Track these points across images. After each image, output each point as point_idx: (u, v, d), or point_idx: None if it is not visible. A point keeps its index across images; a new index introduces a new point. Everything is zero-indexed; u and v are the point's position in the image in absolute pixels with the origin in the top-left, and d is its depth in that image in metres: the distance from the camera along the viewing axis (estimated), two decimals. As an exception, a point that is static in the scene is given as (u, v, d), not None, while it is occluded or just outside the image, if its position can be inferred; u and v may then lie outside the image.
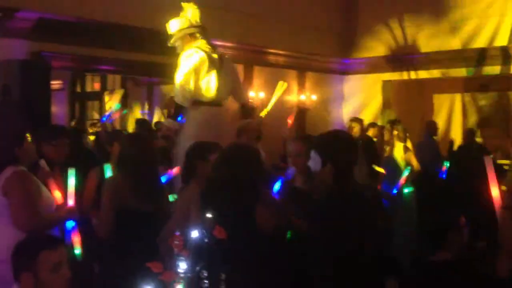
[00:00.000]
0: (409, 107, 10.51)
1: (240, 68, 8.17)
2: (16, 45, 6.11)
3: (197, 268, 2.34)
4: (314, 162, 2.97)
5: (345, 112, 10.10)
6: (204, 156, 3.42)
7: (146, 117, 9.84)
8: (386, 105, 9.93)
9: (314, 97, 9.36)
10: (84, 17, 6.40)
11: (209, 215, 2.54)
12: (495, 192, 2.91)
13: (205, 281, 2.37)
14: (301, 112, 9.17)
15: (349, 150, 3.01)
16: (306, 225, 3.01)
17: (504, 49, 8.47)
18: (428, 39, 9.13)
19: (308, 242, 2.93)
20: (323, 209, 2.91)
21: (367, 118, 9.58)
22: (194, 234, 2.38)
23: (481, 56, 8.67)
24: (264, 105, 8.34)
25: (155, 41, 6.70)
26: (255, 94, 8.27)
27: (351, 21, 9.92)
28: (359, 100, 10.05)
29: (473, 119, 10.91)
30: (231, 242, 2.51)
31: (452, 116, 10.94)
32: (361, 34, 9.85)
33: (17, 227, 3.02)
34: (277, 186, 3.63)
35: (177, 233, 2.27)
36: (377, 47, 9.63)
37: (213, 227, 2.48)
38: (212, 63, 4.60)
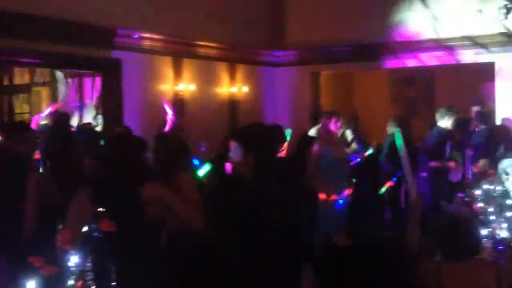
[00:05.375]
0: (337, 99, 10.78)
1: (169, 61, 8.16)
2: None
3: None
4: (236, 152, 3.08)
5: (278, 104, 10.23)
6: None
7: (73, 111, 9.58)
8: (315, 97, 10.15)
9: (245, 89, 9.44)
10: (5, 8, 6.16)
11: (99, 209, 2.61)
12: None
13: (89, 273, 2.39)
14: (233, 104, 9.26)
15: (271, 142, 3.15)
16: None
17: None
18: (356, 31, 9.28)
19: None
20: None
21: (298, 109, 9.81)
22: (84, 228, 2.42)
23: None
24: (194, 97, 8.39)
25: (80, 33, 6.59)
26: (185, 87, 8.27)
27: (280, 12, 10.02)
28: (291, 91, 10.21)
29: (400, 110, 11.28)
30: (120, 234, 2.58)
31: (381, 107, 11.25)
32: (290, 26, 9.99)
33: None
34: None
35: (61, 227, 2.29)
36: (306, 39, 9.75)
37: (101, 221, 2.53)
38: None
